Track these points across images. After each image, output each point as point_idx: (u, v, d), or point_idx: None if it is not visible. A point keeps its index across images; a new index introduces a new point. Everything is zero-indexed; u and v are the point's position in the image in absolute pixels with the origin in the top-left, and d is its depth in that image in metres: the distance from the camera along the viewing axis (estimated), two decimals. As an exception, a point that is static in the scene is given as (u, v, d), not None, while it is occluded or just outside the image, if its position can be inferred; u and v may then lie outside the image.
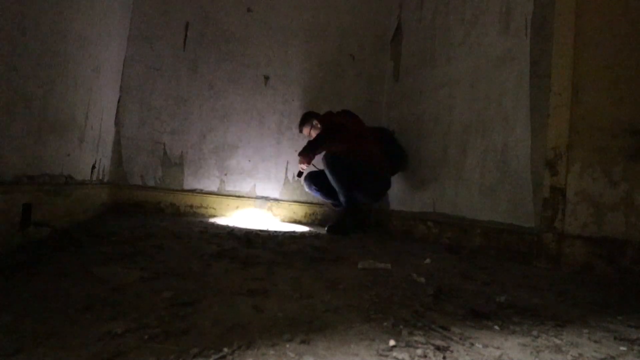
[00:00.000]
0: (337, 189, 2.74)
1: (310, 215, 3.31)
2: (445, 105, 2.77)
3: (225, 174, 3.24)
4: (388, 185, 2.94)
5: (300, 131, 3.15)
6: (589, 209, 1.72)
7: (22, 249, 1.18)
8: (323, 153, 2.78)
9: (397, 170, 3.10)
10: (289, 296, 0.91)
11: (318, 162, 2.96)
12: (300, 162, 2.78)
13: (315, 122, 3.02)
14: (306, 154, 2.74)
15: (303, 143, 3.40)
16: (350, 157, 2.72)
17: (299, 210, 3.31)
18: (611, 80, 1.75)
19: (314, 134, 3.01)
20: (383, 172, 2.86)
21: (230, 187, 3.23)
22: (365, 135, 2.88)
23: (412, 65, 3.25)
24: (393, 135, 3.21)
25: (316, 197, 3.04)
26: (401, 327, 0.74)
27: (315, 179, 2.96)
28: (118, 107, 3.00)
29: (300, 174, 2.88)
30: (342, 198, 2.75)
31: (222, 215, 3.15)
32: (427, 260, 1.64)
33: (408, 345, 0.65)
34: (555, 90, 1.83)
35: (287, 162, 3.36)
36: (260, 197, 3.27)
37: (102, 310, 0.70)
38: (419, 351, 0.63)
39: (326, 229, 2.54)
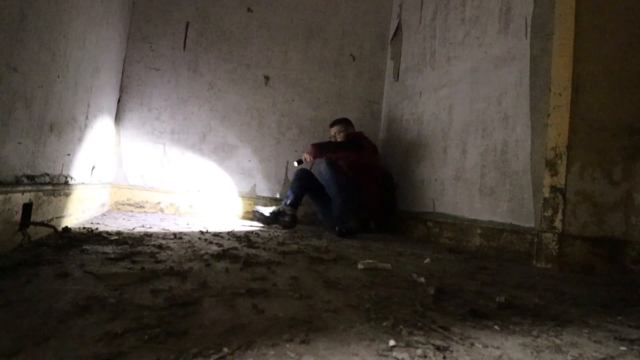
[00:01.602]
0: (334, 191, 2.70)
1: (309, 215, 3.31)
2: (445, 105, 2.77)
3: (226, 174, 3.24)
4: (357, 223, 2.79)
5: (331, 126, 3.10)
6: (589, 209, 1.72)
7: (21, 249, 1.18)
8: (323, 163, 2.78)
9: (383, 216, 3.09)
10: (289, 296, 0.91)
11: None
12: (309, 153, 2.80)
13: (350, 130, 3.05)
14: (322, 149, 2.79)
15: (303, 143, 3.40)
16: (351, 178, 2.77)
17: (299, 211, 3.30)
18: (611, 80, 1.75)
19: (339, 138, 3.02)
20: (364, 210, 2.82)
21: (230, 187, 3.23)
22: (374, 173, 2.92)
23: (412, 65, 3.25)
24: (394, 187, 3.20)
25: (299, 175, 2.89)
26: (401, 327, 0.74)
27: (309, 180, 2.90)
28: (118, 107, 3.00)
29: (300, 162, 2.87)
30: (339, 201, 2.67)
31: (222, 215, 3.15)
32: (427, 260, 1.64)
33: (408, 345, 0.65)
34: (555, 90, 1.83)
35: (287, 162, 3.36)
36: (260, 197, 3.28)
37: (102, 310, 0.70)
38: (419, 351, 0.63)
39: (337, 233, 2.52)
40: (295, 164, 2.93)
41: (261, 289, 0.94)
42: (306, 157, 2.83)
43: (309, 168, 3.00)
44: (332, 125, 3.09)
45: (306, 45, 3.47)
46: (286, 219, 2.71)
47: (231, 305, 0.80)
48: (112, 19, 2.40)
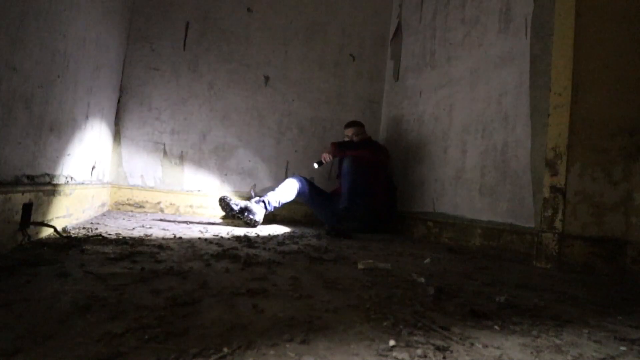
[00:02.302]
0: (345, 187, 2.71)
1: (309, 215, 3.30)
2: (445, 105, 2.77)
3: (225, 174, 3.24)
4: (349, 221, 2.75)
5: (347, 126, 3.13)
6: (589, 209, 1.72)
7: (22, 249, 1.18)
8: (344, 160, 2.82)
9: (384, 217, 3.06)
10: (289, 296, 0.91)
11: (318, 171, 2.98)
12: (328, 152, 2.87)
13: (365, 134, 3.11)
14: (341, 148, 2.85)
15: (303, 143, 3.40)
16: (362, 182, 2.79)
17: (299, 211, 3.30)
18: (611, 80, 1.75)
19: (355, 139, 3.06)
20: (363, 213, 2.81)
21: (230, 187, 3.23)
22: (382, 175, 2.98)
23: (412, 65, 3.25)
24: (394, 188, 3.18)
25: (293, 182, 2.92)
26: (401, 327, 0.74)
27: (307, 188, 2.95)
28: (118, 107, 3.00)
29: (320, 163, 2.92)
30: (345, 198, 2.69)
31: (222, 215, 3.15)
32: (427, 260, 1.64)
33: (408, 345, 0.65)
34: (555, 90, 1.83)
35: (287, 162, 3.36)
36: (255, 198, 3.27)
37: (102, 310, 0.70)
38: (419, 351, 0.63)
39: (326, 231, 2.52)
40: (316, 165, 2.94)
41: (261, 289, 0.94)
42: (325, 157, 2.86)
43: (329, 167, 3.08)
44: (348, 125, 3.12)
45: (306, 45, 3.46)
46: (251, 216, 2.60)
47: (231, 305, 0.80)
48: (112, 19, 2.40)
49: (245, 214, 2.62)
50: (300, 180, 2.92)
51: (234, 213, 2.63)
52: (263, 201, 2.72)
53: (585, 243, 1.69)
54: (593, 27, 1.78)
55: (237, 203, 2.66)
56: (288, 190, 2.86)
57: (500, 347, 0.68)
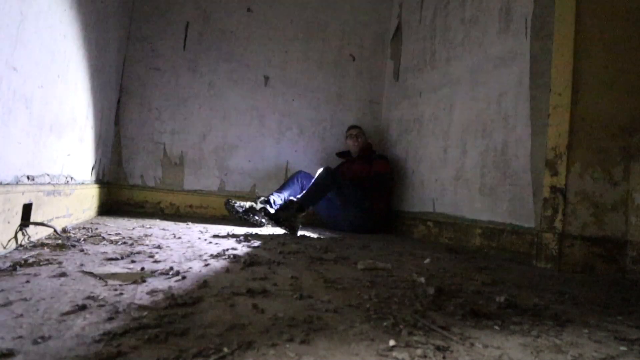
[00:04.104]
0: (343, 216, 2.86)
1: (309, 215, 3.30)
2: (445, 105, 2.77)
3: (225, 174, 3.23)
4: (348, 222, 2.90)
5: (350, 129, 3.22)
6: (589, 209, 1.72)
7: (21, 249, 1.18)
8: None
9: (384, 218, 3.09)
10: (289, 296, 0.91)
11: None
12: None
13: (365, 139, 3.21)
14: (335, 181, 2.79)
15: (303, 143, 3.40)
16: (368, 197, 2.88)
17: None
18: (611, 80, 1.75)
19: (359, 139, 3.15)
20: (362, 218, 2.87)
21: (230, 187, 3.23)
22: (383, 191, 3.06)
23: (412, 65, 3.25)
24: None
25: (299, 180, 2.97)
26: (401, 327, 0.74)
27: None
28: (118, 107, 3.00)
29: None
30: (347, 222, 2.86)
31: (222, 215, 3.15)
32: (427, 260, 1.64)
33: (408, 345, 0.65)
34: (555, 90, 1.83)
35: (287, 162, 3.36)
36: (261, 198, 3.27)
37: (102, 310, 0.70)
38: (419, 351, 0.63)
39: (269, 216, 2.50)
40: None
41: (261, 288, 0.94)
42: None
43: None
44: (351, 127, 3.22)
45: (306, 45, 3.46)
46: (257, 217, 2.64)
47: (231, 305, 0.80)
48: (112, 19, 2.40)
49: (251, 214, 2.66)
50: (303, 179, 2.95)
51: (240, 215, 2.66)
52: (268, 201, 2.74)
53: (585, 243, 1.69)
54: (593, 27, 1.78)
55: (242, 205, 2.70)
56: (293, 189, 2.88)
57: (501, 347, 0.68)
